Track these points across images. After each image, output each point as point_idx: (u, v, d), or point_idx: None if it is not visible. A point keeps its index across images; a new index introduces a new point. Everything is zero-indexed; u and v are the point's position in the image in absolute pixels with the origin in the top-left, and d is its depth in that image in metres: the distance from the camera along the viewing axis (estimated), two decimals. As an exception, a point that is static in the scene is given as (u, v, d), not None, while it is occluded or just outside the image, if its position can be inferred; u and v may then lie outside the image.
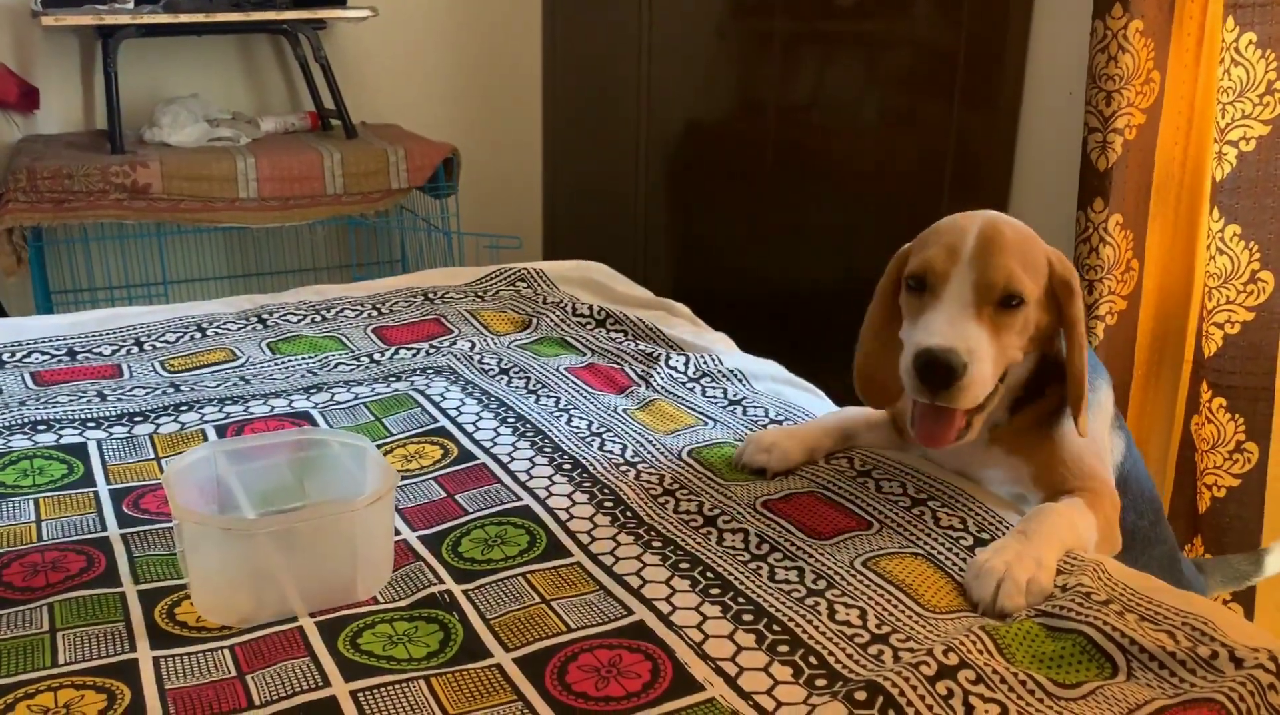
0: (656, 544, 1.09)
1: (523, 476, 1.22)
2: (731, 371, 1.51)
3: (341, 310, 1.74)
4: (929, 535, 1.10)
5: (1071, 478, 1.14)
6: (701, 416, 1.37)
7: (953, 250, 1.08)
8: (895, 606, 0.99)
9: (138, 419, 1.36)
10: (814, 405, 1.43)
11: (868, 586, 1.02)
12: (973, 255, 1.08)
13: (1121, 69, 1.75)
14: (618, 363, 1.55)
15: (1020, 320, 1.09)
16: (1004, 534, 1.10)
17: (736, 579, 1.03)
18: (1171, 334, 1.92)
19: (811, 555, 1.06)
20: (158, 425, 1.34)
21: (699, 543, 1.09)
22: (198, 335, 1.64)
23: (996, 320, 1.07)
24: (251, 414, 1.37)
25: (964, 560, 1.06)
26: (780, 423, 1.35)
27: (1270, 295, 1.68)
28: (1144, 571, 1.09)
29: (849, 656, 0.92)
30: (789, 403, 1.42)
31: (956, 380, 1.04)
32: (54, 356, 1.55)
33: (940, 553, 1.07)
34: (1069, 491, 1.14)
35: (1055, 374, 1.16)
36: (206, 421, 1.35)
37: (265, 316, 1.70)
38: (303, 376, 1.50)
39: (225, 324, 1.67)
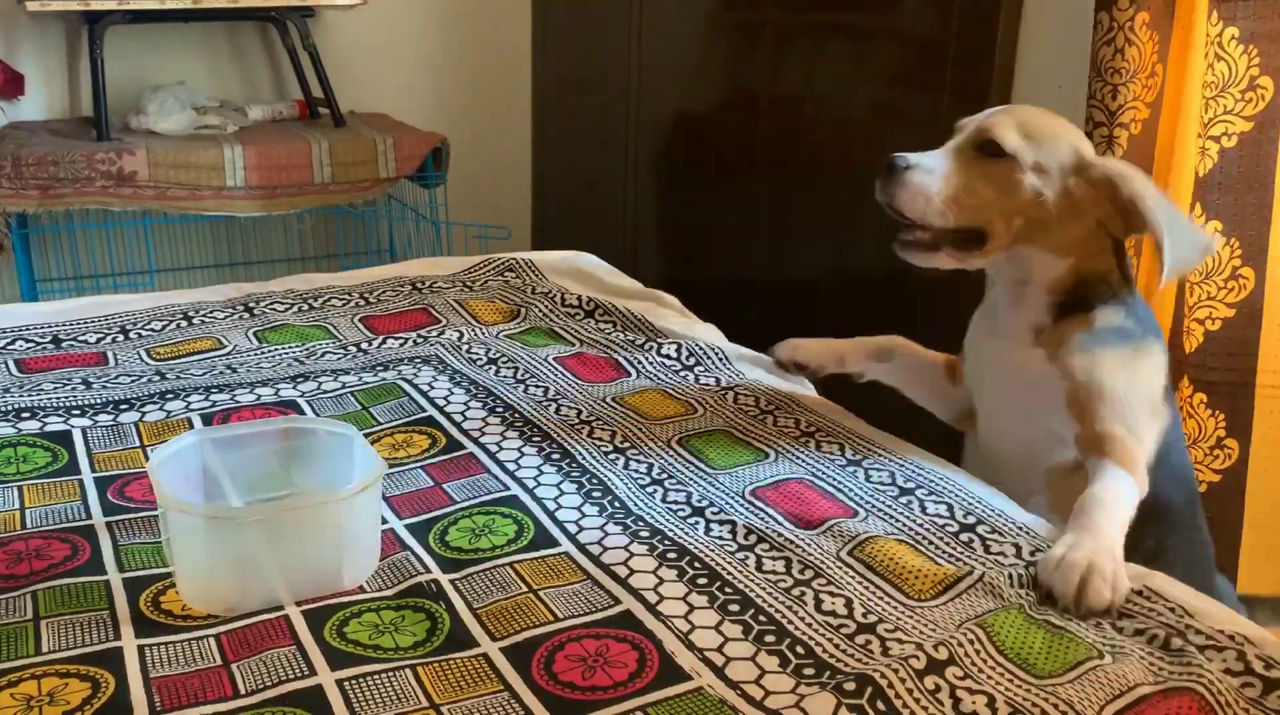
0: (644, 534, 1.09)
1: (511, 466, 1.22)
2: (718, 355, 1.50)
3: (329, 299, 1.73)
4: (916, 523, 1.11)
5: (1108, 420, 1.17)
6: (690, 405, 1.37)
7: (969, 121, 1.23)
8: (880, 596, 0.99)
9: (123, 407, 1.35)
10: (807, 400, 1.43)
11: (854, 576, 1.02)
12: (979, 119, 1.21)
13: (1128, 62, 1.75)
14: (606, 352, 1.55)
15: (1003, 171, 1.17)
16: (990, 519, 1.10)
17: (724, 569, 1.03)
18: (1174, 331, 1.91)
19: (798, 546, 1.06)
20: (143, 413, 1.33)
21: (687, 533, 1.09)
22: (184, 323, 1.63)
23: (974, 163, 1.18)
24: (238, 402, 1.36)
25: (949, 547, 1.06)
26: (771, 412, 1.36)
27: (1251, 291, 1.68)
28: (1180, 556, 1.11)
29: (836, 646, 0.92)
30: (778, 390, 1.42)
31: (895, 173, 1.17)
32: (39, 344, 1.54)
33: (926, 540, 1.08)
34: (1102, 435, 1.16)
35: (1103, 293, 1.20)
36: (192, 410, 1.34)
37: (252, 305, 1.69)
38: (290, 365, 1.49)
39: (212, 312, 1.66)
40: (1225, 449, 1.74)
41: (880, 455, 1.24)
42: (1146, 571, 1.03)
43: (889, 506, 1.14)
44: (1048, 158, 1.18)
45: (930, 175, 1.18)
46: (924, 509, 1.13)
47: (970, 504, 1.14)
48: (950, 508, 1.13)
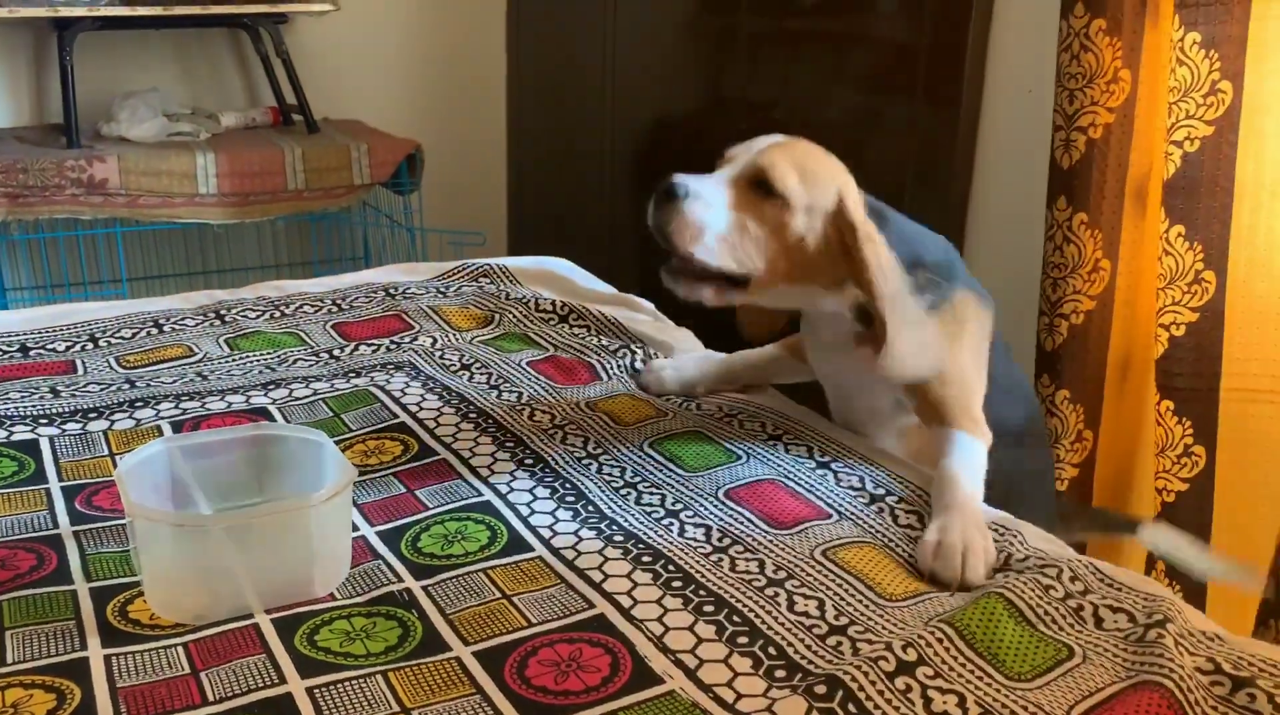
0: (618, 538, 1.09)
1: (484, 472, 1.22)
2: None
3: (301, 306, 1.72)
4: (886, 529, 1.11)
5: (939, 386, 1.19)
6: (659, 408, 1.37)
7: (745, 149, 1.20)
8: (853, 596, 0.99)
9: (92, 415, 1.34)
10: (769, 402, 1.43)
11: (826, 577, 1.02)
12: (755, 152, 1.17)
13: (1084, 68, 1.76)
14: (580, 357, 1.54)
15: (773, 212, 1.15)
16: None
17: (697, 571, 1.03)
18: (1141, 336, 1.92)
19: (771, 548, 1.07)
20: (112, 421, 1.32)
21: (661, 535, 1.09)
22: (154, 331, 1.61)
23: (748, 199, 1.15)
24: (208, 410, 1.35)
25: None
26: (734, 417, 1.36)
27: (1213, 295, 1.68)
28: (1020, 471, 1.17)
29: (808, 648, 0.92)
30: (740, 397, 1.42)
31: (674, 200, 1.13)
32: (6, 352, 1.52)
33: (895, 543, 1.08)
34: (937, 402, 1.19)
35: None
36: (162, 418, 1.33)
37: (224, 312, 1.68)
38: (261, 373, 1.48)
39: (183, 320, 1.65)
40: (1193, 456, 1.74)
41: (848, 458, 1.25)
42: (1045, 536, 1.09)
43: (860, 512, 1.14)
44: (817, 199, 1.15)
45: (708, 209, 1.13)
46: (895, 518, 1.14)
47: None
48: (921, 518, 1.14)
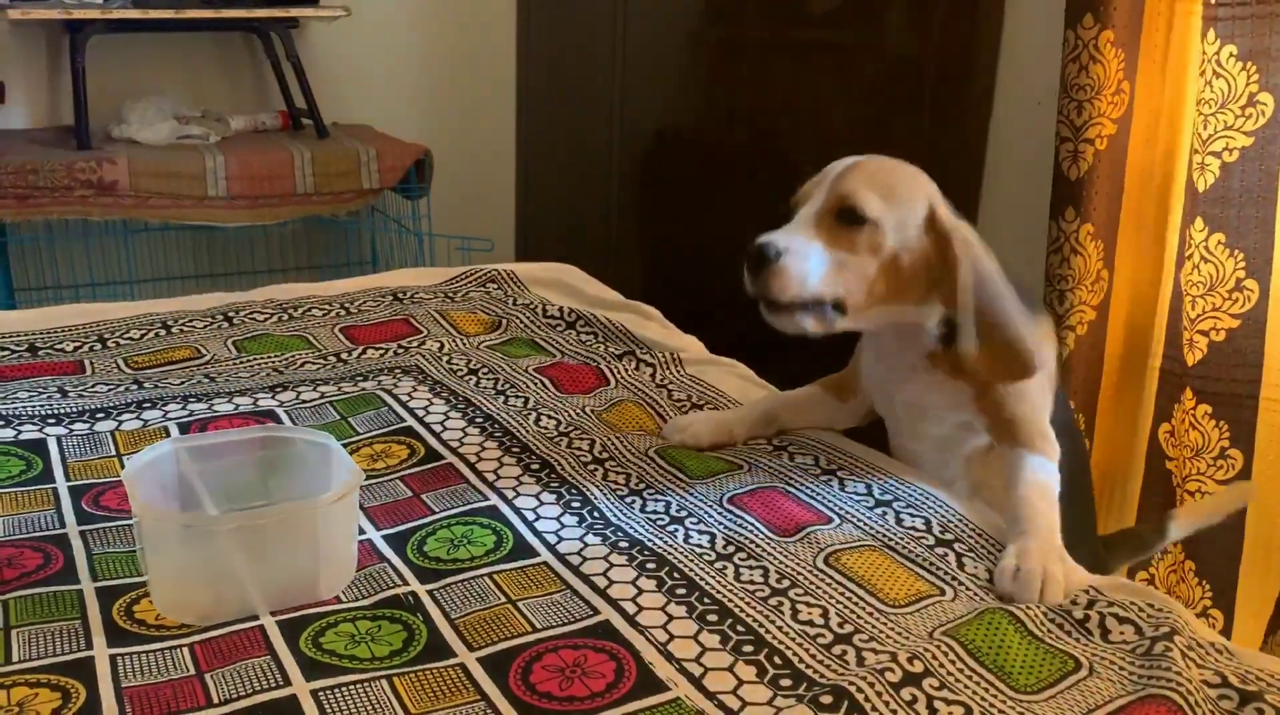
0: (624, 544, 1.09)
1: (490, 476, 1.22)
2: (691, 376, 1.51)
3: (309, 309, 1.73)
4: (889, 531, 1.11)
5: (1013, 405, 1.17)
6: (665, 418, 1.37)
7: (819, 181, 1.17)
8: (857, 604, 0.99)
9: (99, 416, 1.34)
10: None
11: (830, 585, 1.02)
12: (831, 181, 1.15)
13: (1093, 79, 1.77)
14: (587, 363, 1.54)
15: (866, 239, 1.13)
16: (968, 532, 1.11)
17: (702, 579, 1.03)
18: (1140, 343, 1.93)
19: (775, 555, 1.06)
20: (120, 422, 1.32)
21: (665, 542, 1.09)
22: (162, 332, 1.62)
23: (837, 233, 1.13)
24: (216, 412, 1.35)
25: (923, 555, 1.07)
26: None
27: (1255, 303, 1.70)
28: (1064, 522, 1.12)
29: (812, 657, 0.92)
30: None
31: (768, 263, 1.11)
32: (14, 352, 1.52)
33: (898, 545, 1.08)
34: (1011, 420, 1.17)
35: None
36: (170, 419, 1.33)
37: (232, 314, 1.68)
38: (268, 375, 1.48)
39: (191, 321, 1.66)
40: (1229, 459, 1.75)
41: (855, 466, 1.25)
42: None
43: (865, 516, 1.14)
44: (905, 215, 1.14)
45: (804, 260, 1.12)
46: (899, 521, 1.13)
47: (947, 520, 1.14)
48: (928, 522, 1.13)
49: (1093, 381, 1.93)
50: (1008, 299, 1.13)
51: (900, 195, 1.14)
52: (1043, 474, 1.15)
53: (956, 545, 1.10)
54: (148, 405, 1.37)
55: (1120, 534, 1.57)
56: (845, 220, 1.13)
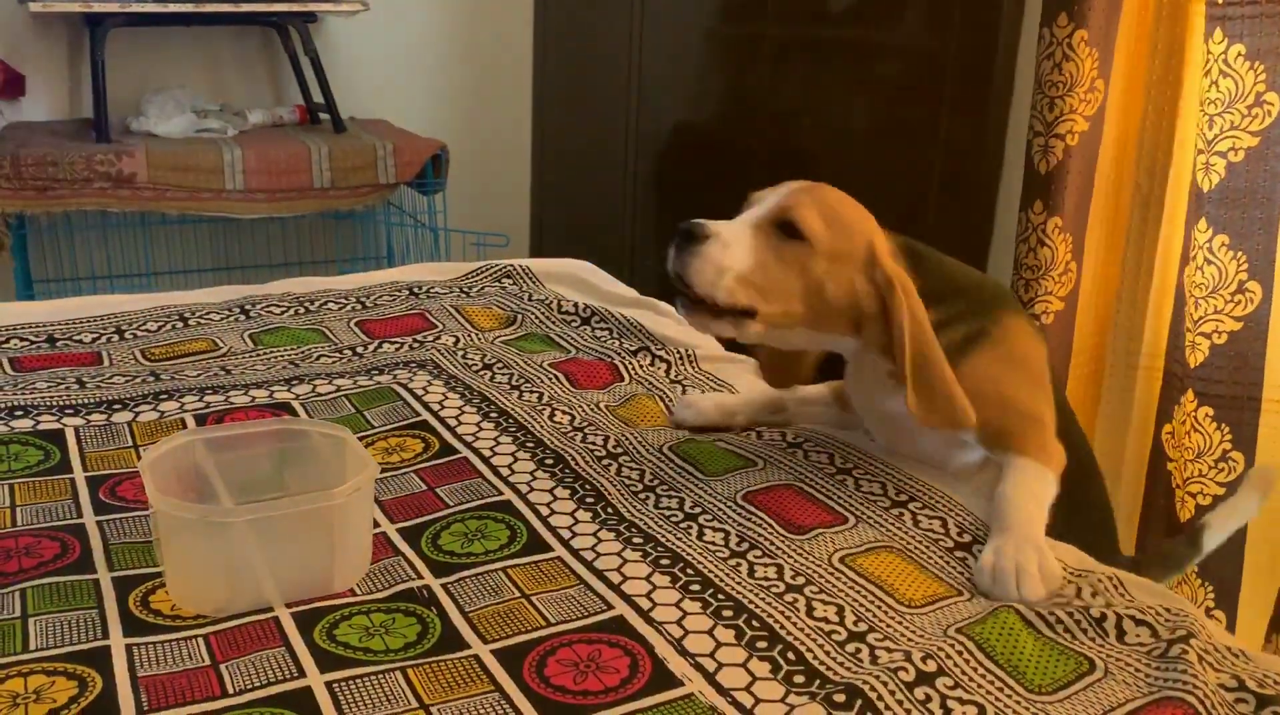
0: (637, 540, 1.09)
1: (504, 471, 1.22)
2: (706, 373, 1.51)
3: (325, 303, 1.73)
4: (906, 533, 1.10)
5: (999, 416, 1.15)
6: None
7: (771, 191, 1.17)
8: (872, 603, 0.99)
9: (116, 407, 1.35)
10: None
11: (845, 583, 1.02)
12: (782, 194, 1.15)
13: (1065, 76, 1.78)
14: (601, 359, 1.54)
15: (797, 255, 1.12)
16: (986, 535, 1.10)
17: (716, 575, 1.03)
18: (1120, 340, 1.93)
19: (790, 553, 1.06)
20: (137, 413, 1.33)
21: (679, 539, 1.09)
22: (179, 324, 1.62)
23: (772, 240, 1.13)
24: (232, 404, 1.36)
25: (940, 557, 1.06)
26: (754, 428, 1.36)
27: (1258, 305, 1.68)
28: (1072, 533, 1.12)
29: (827, 654, 0.92)
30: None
31: (693, 243, 1.11)
32: (33, 343, 1.53)
33: (915, 547, 1.08)
34: (999, 431, 1.15)
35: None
36: (186, 411, 1.34)
37: (248, 307, 1.69)
38: (284, 368, 1.49)
39: (208, 314, 1.66)
40: (1230, 462, 1.75)
41: (870, 465, 1.24)
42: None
43: (880, 517, 1.13)
44: (844, 249, 1.13)
45: (727, 249, 1.12)
46: (916, 522, 1.13)
47: (965, 522, 1.13)
48: (945, 524, 1.13)
49: (1060, 370, 1.94)
50: (938, 349, 1.12)
51: (844, 226, 1.14)
52: (1028, 475, 1.14)
53: (975, 548, 1.09)
54: (164, 397, 1.38)
55: (1152, 553, 1.55)
56: (783, 232, 1.13)
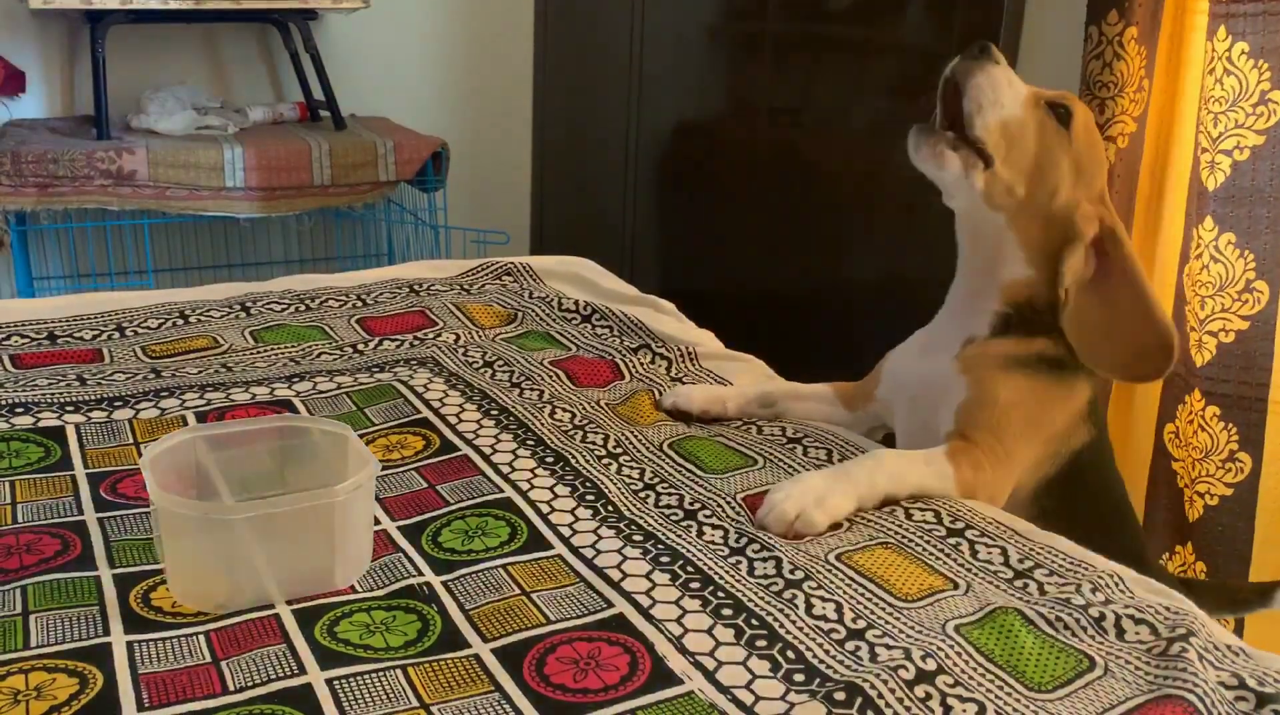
0: (638, 538, 1.09)
1: (505, 469, 1.22)
2: (707, 371, 1.51)
3: (326, 300, 1.73)
4: (899, 526, 1.11)
5: (977, 428, 1.15)
6: (685, 412, 1.37)
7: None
8: (870, 599, 0.99)
9: (117, 404, 1.35)
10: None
11: (842, 579, 1.02)
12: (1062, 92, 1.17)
13: (1116, 76, 1.75)
14: (602, 357, 1.55)
15: (1055, 143, 1.12)
16: (979, 524, 1.10)
17: (716, 573, 1.03)
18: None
19: (787, 547, 1.06)
20: (137, 410, 1.33)
21: (679, 536, 1.09)
22: (180, 322, 1.63)
23: (1040, 113, 1.13)
24: (232, 401, 1.36)
25: (934, 546, 1.07)
26: (754, 422, 1.36)
27: (1265, 304, 1.68)
28: None
29: (826, 652, 0.92)
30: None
31: (988, 58, 1.11)
32: (34, 340, 1.53)
33: (909, 540, 1.08)
34: (964, 435, 1.15)
35: (1048, 323, 1.17)
36: (187, 408, 1.34)
37: (249, 304, 1.69)
38: (285, 365, 1.49)
39: (208, 311, 1.66)
40: (1237, 462, 1.74)
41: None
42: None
43: (873, 513, 1.13)
44: (1087, 166, 1.15)
45: (1010, 87, 1.11)
46: (909, 516, 1.13)
47: (957, 510, 1.14)
48: (937, 514, 1.13)
49: (1105, 381, 1.92)
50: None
51: (1098, 152, 1.16)
52: (926, 466, 1.13)
53: (968, 532, 1.09)
54: (165, 394, 1.38)
55: (1214, 584, 1.53)
56: (1053, 112, 1.13)
